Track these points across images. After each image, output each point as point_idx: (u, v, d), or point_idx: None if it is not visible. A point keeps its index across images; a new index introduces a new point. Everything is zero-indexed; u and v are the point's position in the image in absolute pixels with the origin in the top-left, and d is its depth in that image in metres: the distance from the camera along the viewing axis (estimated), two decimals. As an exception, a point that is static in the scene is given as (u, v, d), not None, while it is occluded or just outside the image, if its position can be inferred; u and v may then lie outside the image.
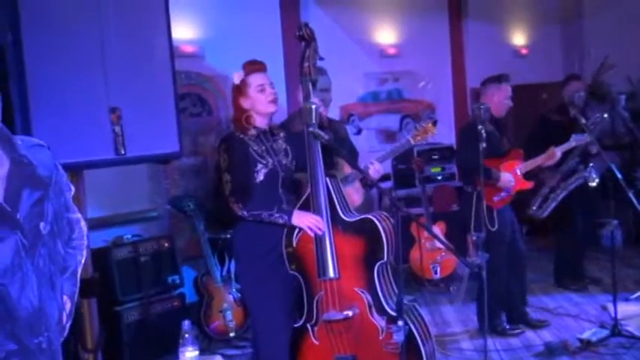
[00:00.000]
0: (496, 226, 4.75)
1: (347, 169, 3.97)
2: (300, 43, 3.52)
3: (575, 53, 8.77)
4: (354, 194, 3.95)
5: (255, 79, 3.47)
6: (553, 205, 5.37)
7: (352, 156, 4.16)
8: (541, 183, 5.37)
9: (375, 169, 3.82)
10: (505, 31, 8.52)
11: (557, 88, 6.25)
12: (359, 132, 7.24)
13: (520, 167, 4.91)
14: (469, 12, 8.01)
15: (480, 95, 5.04)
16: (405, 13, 7.48)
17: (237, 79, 3.48)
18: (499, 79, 4.95)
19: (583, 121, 5.08)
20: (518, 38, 8.58)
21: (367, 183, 3.98)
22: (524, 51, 8.57)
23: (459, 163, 5.58)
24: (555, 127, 5.55)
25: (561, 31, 8.97)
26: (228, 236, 5.08)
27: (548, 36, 8.79)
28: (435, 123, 3.87)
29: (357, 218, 3.37)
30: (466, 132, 4.80)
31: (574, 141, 5.06)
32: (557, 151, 5.00)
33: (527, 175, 4.98)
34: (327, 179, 3.41)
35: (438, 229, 6.19)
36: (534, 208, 5.39)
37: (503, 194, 4.83)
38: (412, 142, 3.84)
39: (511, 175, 4.82)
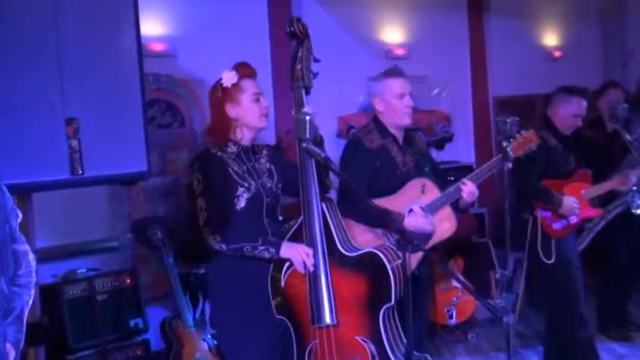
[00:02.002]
0: (553, 259, 4.74)
1: (431, 193, 3.99)
2: (291, 41, 3.55)
3: (616, 56, 8.84)
4: (445, 221, 3.99)
5: (251, 86, 3.50)
6: (590, 236, 5.38)
7: (440, 177, 4.21)
8: None
9: (469, 191, 3.89)
10: (534, 29, 8.56)
11: (595, 97, 6.29)
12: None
13: (587, 191, 4.94)
14: (492, 6, 8.05)
15: (548, 105, 5.07)
16: (415, 8, 7.51)
17: (227, 80, 3.49)
18: (570, 90, 4.99)
19: (627, 137, 5.10)
20: (550, 38, 8.64)
21: (460, 208, 4.02)
22: (557, 53, 8.61)
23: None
24: (589, 144, 5.57)
25: (601, 29, 9.04)
26: (203, 272, 5.07)
27: (585, 35, 8.85)
28: (536, 132, 4.04)
29: (359, 253, 3.37)
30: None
31: None
32: (632, 176, 5.00)
33: (595, 202, 5.01)
34: (324, 205, 3.41)
35: (453, 266, 6.19)
36: None
37: (564, 221, 4.85)
38: (512, 155, 3.93)
39: (575, 200, 4.85)
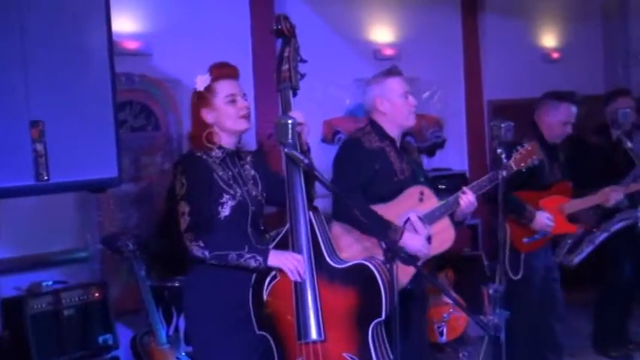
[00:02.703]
0: (520, 274, 4.77)
1: (429, 202, 4.02)
2: (276, 39, 3.56)
3: (619, 58, 8.89)
4: (443, 233, 4.04)
5: (225, 87, 3.51)
6: (588, 250, 5.40)
7: (431, 186, 4.25)
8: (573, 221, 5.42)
9: (469, 201, 3.95)
10: (532, 29, 8.61)
11: (597, 102, 6.31)
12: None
13: (565, 206, 4.97)
14: (487, 5, 8.10)
15: (535, 111, 5.09)
16: (406, 6, 7.53)
17: (200, 84, 3.52)
18: (558, 96, 5.05)
19: (629, 144, 5.13)
20: (548, 39, 8.68)
21: (455, 220, 4.08)
22: (555, 55, 8.66)
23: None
24: (593, 152, 5.61)
25: (602, 29, 9.09)
26: (177, 285, 5.06)
27: (585, 36, 8.90)
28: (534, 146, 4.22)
29: (348, 265, 3.39)
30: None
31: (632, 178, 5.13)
32: (613, 194, 5.02)
33: (574, 217, 5.04)
34: (311, 214, 3.43)
35: (444, 279, 6.20)
36: (562, 252, 5.42)
37: (537, 236, 4.87)
38: (514, 168, 4.13)
39: (549, 216, 4.87)
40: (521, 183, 4.76)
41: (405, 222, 3.96)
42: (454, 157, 7.37)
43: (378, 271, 3.33)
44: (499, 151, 4.20)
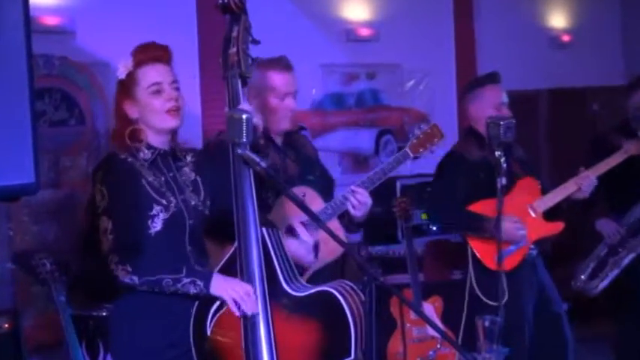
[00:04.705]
0: (505, 299, 4.73)
1: (313, 205, 3.98)
2: (223, 16, 3.54)
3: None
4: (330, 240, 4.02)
5: (148, 75, 3.45)
6: (614, 274, 5.41)
7: (326, 184, 4.32)
8: (594, 238, 5.43)
9: (360, 202, 3.99)
10: (537, 6, 8.67)
11: (617, 93, 6.34)
12: (313, 154, 7.29)
13: (536, 204, 5.01)
14: (483, -22, 8.17)
15: (464, 112, 5.25)
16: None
17: (122, 71, 3.47)
18: (478, 81, 5.20)
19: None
20: (557, 19, 8.74)
21: (352, 222, 4.14)
22: (565, 37, 8.72)
23: (429, 205, 5.66)
24: (612, 152, 5.63)
25: (620, 8, 9.18)
26: (105, 314, 5.07)
27: (600, 16, 8.98)
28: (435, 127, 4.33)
29: (309, 292, 3.36)
30: (449, 161, 5.07)
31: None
32: (585, 180, 5.05)
33: (554, 213, 5.05)
34: (264, 230, 3.40)
35: (430, 308, 6.20)
36: (583, 277, 5.43)
37: (512, 248, 4.88)
38: (411, 155, 4.15)
39: (517, 221, 4.88)
40: (465, 198, 4.86)
41: (287, 229, 3.99)
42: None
43: (345, 299, 3.30)
44: (498, 154, 4.21)
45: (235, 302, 3.30)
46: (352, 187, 4.03)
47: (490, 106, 5.02)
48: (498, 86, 5.10)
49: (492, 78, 5.14)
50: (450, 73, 7.99)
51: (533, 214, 4.98)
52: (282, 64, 4.19)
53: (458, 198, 4.91)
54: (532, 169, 5.26)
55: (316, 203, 4.03)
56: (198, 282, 3.32)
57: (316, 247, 4.04)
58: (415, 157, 4.28)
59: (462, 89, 5.28)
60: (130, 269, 3.31)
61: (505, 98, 5.07)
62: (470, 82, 5.25)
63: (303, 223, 3.99)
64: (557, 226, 5.05)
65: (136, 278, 3.32)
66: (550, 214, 5.05)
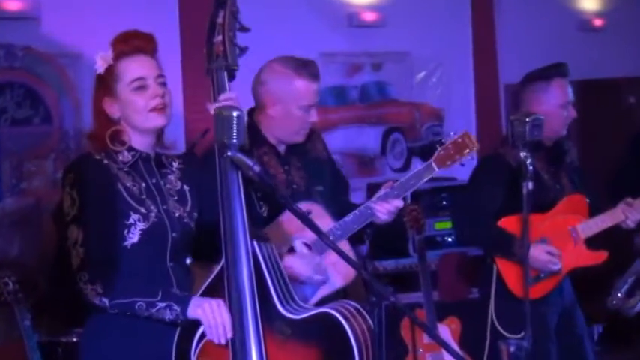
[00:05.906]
0: (528, 332, 4.68)
1: (320, 224, 3.97)
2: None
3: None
4: (340, 263, 4.05)
5: (130, 68, 3.45)
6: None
7: (340, 191, 4.43)
8: (631, 252, 5.41)
9: (388, 210, 4.06)
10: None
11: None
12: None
13: (580, 228, 4.95)
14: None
15: (519, 102, 5.08)
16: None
17: (100, 64, 3.45)
18: (547, 73, 5.02)
19: None
20: (588, 0, 8.72)
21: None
22: (596, 22, 8.73)
23: (453, 217, 5.66)
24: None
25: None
26: (75, 340, 5.08)
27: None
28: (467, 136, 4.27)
29: (307, 314, 3.37)
30: (487, 166, 4.99)
31: None
32: (631, 212, 4.99)
33: (597, 241, 5.01)
34: (256, 244, 3.39)
35: (446, 331, 6.19)
36: (620, 295, 5.40)
37: (541, 275, 4.85)
38: (436, 169, 4.17)
39: (550, 249, 4.83)
40: (502, 210, 4.81)
41: (289, 250, 4.04)
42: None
43: (349, 322, 3.29)
44: (523, 155, 4.18)
45: (216, 326, 3.27)
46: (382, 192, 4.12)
47: (556, 104, 4.96)
48: (566, 81, 5.01)
49: (561, 70, 5.04)
50: (466, 62, 8.01)
51: (574, 240, 4.93)
52: (311, 72, 4.23)
53: (492, 210, 4.84)
54: (581, 181, 5.20)
55: (324, 222, 4.03)
56: (175, 307, 3.31)
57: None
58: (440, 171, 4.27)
59: (523, 79, 5.13)
60: (100, 290, 3.30)
61: (572, 96, 5.02)
62: (533, 73, 5.08)
63: (306, 244, 3.97)
64: (600, 256, 5.01)
65: (106, 300, 3.31)
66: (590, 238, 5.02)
